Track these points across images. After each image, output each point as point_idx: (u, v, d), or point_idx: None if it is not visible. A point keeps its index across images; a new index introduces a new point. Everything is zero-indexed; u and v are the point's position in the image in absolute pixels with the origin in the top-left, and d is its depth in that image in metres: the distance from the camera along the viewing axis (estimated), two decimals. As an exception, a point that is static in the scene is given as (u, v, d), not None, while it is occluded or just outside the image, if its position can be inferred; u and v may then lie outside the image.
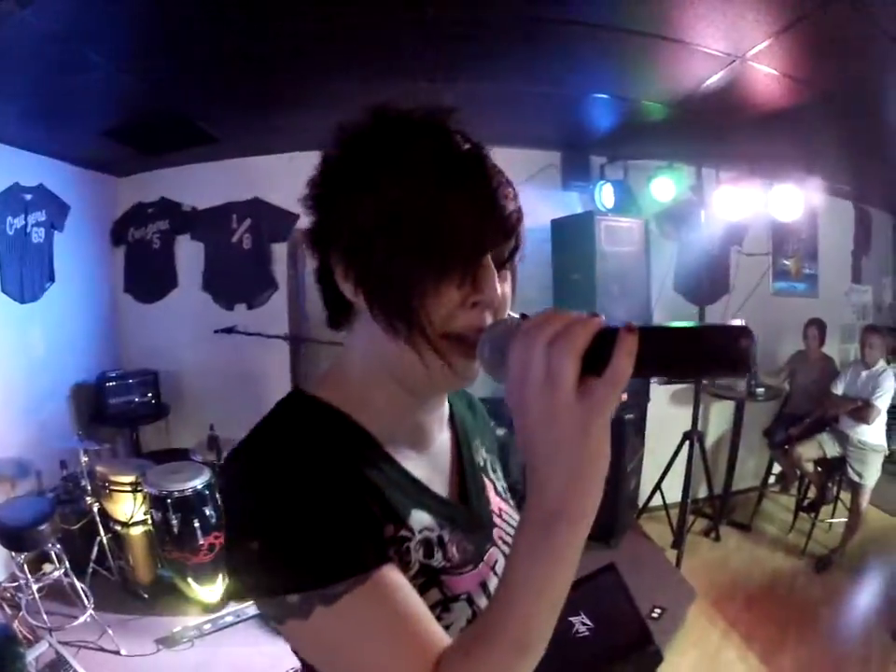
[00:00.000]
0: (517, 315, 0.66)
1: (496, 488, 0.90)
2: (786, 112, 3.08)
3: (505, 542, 0.83)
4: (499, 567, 0.79)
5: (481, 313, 0.65)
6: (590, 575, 3.00)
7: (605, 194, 4.16)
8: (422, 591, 0.68)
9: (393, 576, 0.62)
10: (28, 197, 3.71)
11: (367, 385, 0.74)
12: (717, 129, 3.48)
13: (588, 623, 2.69)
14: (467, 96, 3.14)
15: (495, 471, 0.94)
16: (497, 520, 0.85)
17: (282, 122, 3.55)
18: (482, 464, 0.90)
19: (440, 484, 0.80)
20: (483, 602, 0.74)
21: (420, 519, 0.71)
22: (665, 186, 3.98)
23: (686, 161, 3.92)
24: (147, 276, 4.53)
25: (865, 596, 3.42)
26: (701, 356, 0.49)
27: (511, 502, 0.92)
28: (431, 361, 0.66)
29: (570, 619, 2.71)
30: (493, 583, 0.77)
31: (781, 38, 2.31)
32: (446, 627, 0.68)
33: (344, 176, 0.69)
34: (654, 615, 3.15)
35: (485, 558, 0.78)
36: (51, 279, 3.92)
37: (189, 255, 4.48)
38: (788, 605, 3.33)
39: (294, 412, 0.73)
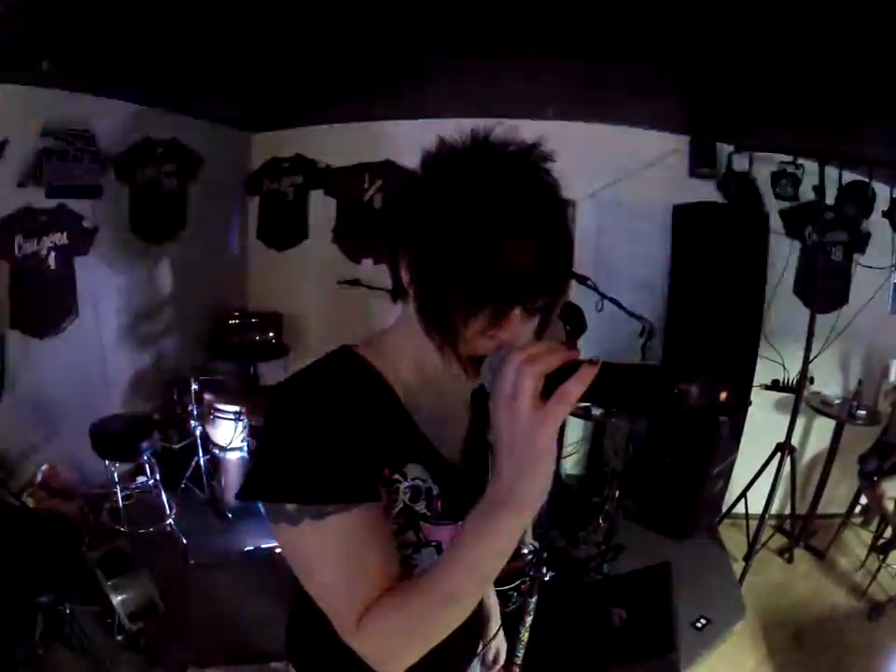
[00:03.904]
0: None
1: None
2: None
3: None
4: None
5: (494, 343, 0.74)
6: (643, 570, 3.01)
7: (730, 185, 4.03)
8: (401, 530, 0.83)
9: (376, 515, 0.75)
10: (159, 150, 4.03)
11: (401, 355, 0.87)
12: (841, 126, 3.19)
13: (624, 616, 2.73)
14: (597, 74, 3.11)
15: None
16: None
17: (410, 92, 3.67)
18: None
19: (448, 449, 0.91)
20: None
21: (415, 470, 0.84)
22: (788, 181, 3.75)
23: (809, 157, 3.61)
24: (280, 225, 4.88)
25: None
26: (636, 395, 0.61)
27: None
28: (452, 365, 0.78)
29: (611, 608, 2.76)
30: None
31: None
32: (413, 568, 0.84)
33: (429, 190, 0.77)
34: (699, 625, 3.10)
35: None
36: (182, 224, 4.29)
37: (321, 209, 4.76)
38: (833, 647, 3.13)
39: (336, 361, 0.87)
